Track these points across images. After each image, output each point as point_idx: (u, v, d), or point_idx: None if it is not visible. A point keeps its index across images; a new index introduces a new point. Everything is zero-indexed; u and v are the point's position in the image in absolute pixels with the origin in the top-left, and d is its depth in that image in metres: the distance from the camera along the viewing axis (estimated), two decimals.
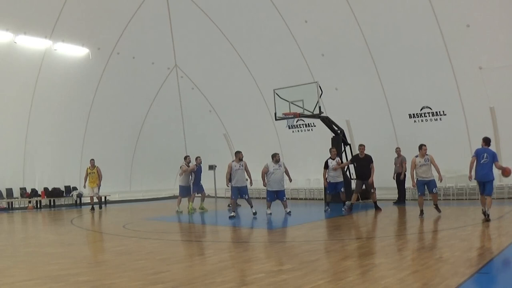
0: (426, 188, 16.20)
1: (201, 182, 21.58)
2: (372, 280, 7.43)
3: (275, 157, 18.07)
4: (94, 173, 24.04)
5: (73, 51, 26.41)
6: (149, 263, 9.50)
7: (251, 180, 18.98)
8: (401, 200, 22.06)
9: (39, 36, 24.57)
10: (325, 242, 12.24)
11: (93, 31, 26.11)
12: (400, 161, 21.65)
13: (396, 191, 22.53)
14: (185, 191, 21.51)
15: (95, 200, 24.41)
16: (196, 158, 21.60)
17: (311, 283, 7.34)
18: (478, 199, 20.88)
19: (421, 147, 16.28)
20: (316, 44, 24.74)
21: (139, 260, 9.81)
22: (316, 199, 26.81)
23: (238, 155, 18.21)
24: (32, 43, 24.62)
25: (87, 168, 24.38)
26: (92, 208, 23.87)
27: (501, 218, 15.10)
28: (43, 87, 25.45)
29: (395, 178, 22.22)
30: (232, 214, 17.91)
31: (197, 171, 21.33)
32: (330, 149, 20.26)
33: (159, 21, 27.60)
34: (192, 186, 21.17)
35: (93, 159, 24.33)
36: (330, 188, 19.65)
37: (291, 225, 15.86)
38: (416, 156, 16.32)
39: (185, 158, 21.80)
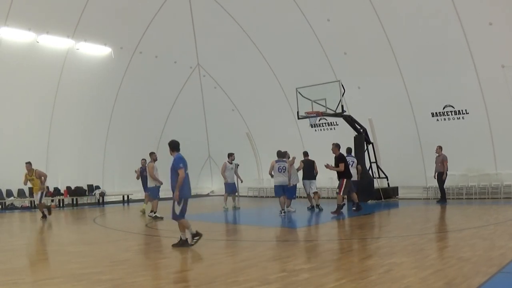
0: None
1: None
2: (394, 280, 7.41)
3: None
4: (33, 180, 19.24)
5: (96, 51, 26.62)
6: (171, 261, 9.57)
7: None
8: (443, 198, 21.59)
9: (62, 36, 24.76)
10: (347, 241, 12.24)
11: (115, 30, 26.29)
12: (441, 160, 21.33)
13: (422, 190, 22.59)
14: (230, 188, 21.89)
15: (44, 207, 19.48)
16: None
17: (333, 282, 7.36)
18: (500, 197, 20.87)
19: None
20: (338, 43, 24.69)
21: (161, 258, 9.87)
22: None
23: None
24: (55, 43, 24.83)
25: (26, 175, 19.29)
26: (44, 216, 19.14)
27: None
28: (65, 87, 25.66)
29: (435, 177, 21.75)
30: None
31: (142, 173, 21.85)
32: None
33: (181, 20, 27.70)
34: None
35: (29, 162, 19.34)
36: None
37: (313, 223, 15.84)
38: None
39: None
